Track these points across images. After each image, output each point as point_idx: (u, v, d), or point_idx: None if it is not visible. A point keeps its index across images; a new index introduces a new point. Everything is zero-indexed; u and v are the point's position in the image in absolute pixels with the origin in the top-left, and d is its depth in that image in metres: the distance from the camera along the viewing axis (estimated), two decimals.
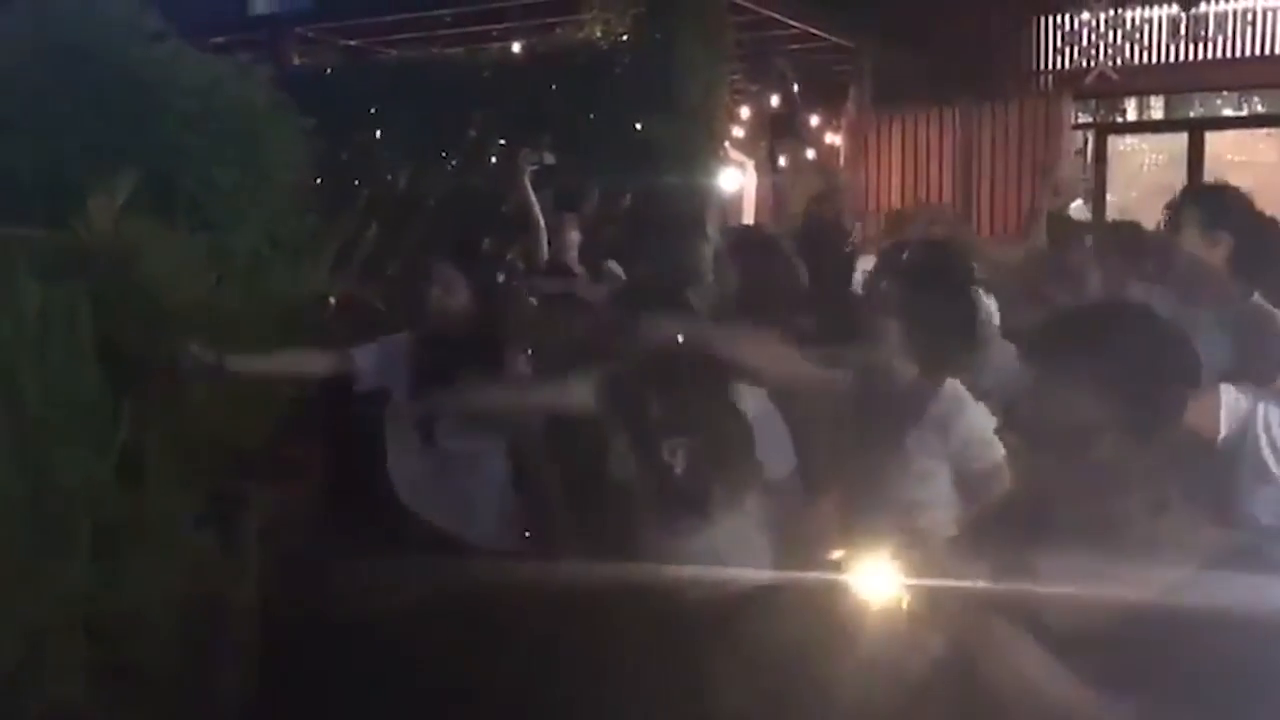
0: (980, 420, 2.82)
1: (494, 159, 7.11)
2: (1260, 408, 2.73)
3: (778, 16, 7.42)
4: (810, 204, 5.97)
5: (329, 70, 7.78)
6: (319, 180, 6.16)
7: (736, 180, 6.61)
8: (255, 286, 4.87)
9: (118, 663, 2.10)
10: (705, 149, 6.35)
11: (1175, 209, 3.24)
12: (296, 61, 8.09)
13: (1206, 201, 3.28)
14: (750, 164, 7.11)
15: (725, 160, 6.54)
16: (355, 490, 3.49)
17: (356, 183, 7.19)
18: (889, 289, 3.04)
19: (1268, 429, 2.71)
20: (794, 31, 8.00)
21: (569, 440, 3.33)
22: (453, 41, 8.27)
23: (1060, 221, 6.17)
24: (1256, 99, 11.75)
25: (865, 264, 6.46)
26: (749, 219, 7.01)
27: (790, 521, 2.91)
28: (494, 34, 8.01)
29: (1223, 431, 2.70)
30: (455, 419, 3.55)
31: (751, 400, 2.97)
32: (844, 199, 5.72)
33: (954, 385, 2.89)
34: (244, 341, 4.47)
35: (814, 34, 8.19)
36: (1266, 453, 2.71)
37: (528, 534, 3.51)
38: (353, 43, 9.13)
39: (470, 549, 3.47)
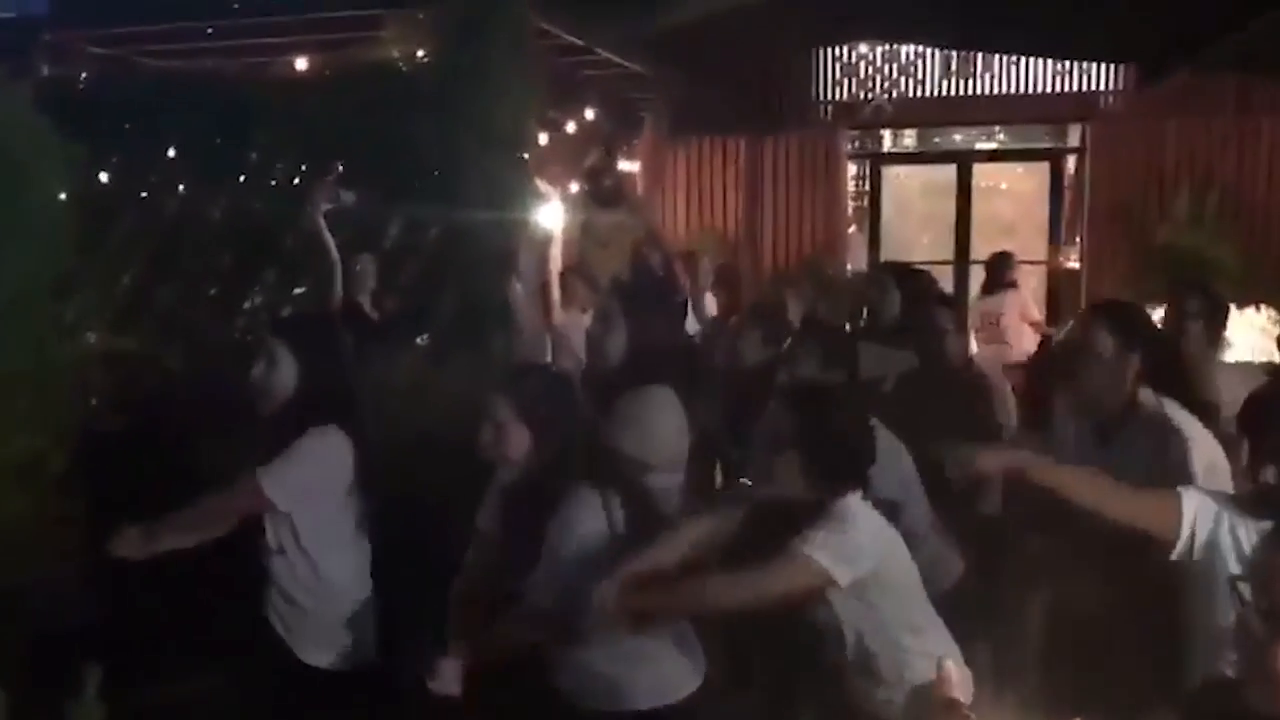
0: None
1: (275, 184, 6.53)
2: None
3: (581, 43, 7.18)
4: (637, 250, 5.71)
5: (83, 83, 6.95)
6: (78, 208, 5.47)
7: (554, 216, 6.28)
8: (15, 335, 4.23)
9: None
10: (515, 180, 6.01)
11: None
12: (45, 72, 7.22)
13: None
14: (557, 196, 6.82)
15: (537, 193, 6.22)
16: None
17: (119, 210, 6.48)
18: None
19: None
20: (594, 58, 7.78)
21: None
22: (225, 54, 7.61)
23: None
24: (1003, 132, 12.43)
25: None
26: (558, 256, 6.70)
27: None
28: (273, 48, 7.40)
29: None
30: None
31: None
32: (666, 242, 5.50)
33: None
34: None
35: (614, 62, 7.99)
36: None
37: None
38: (105, 51, 8.28)
39: None
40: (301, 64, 6.87)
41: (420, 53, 6.21)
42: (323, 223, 5.47)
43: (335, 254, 5.56)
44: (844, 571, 2.55)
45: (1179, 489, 2.61)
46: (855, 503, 2.66)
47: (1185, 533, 2.52)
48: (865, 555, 2.58)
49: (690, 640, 2.81)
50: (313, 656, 3.12)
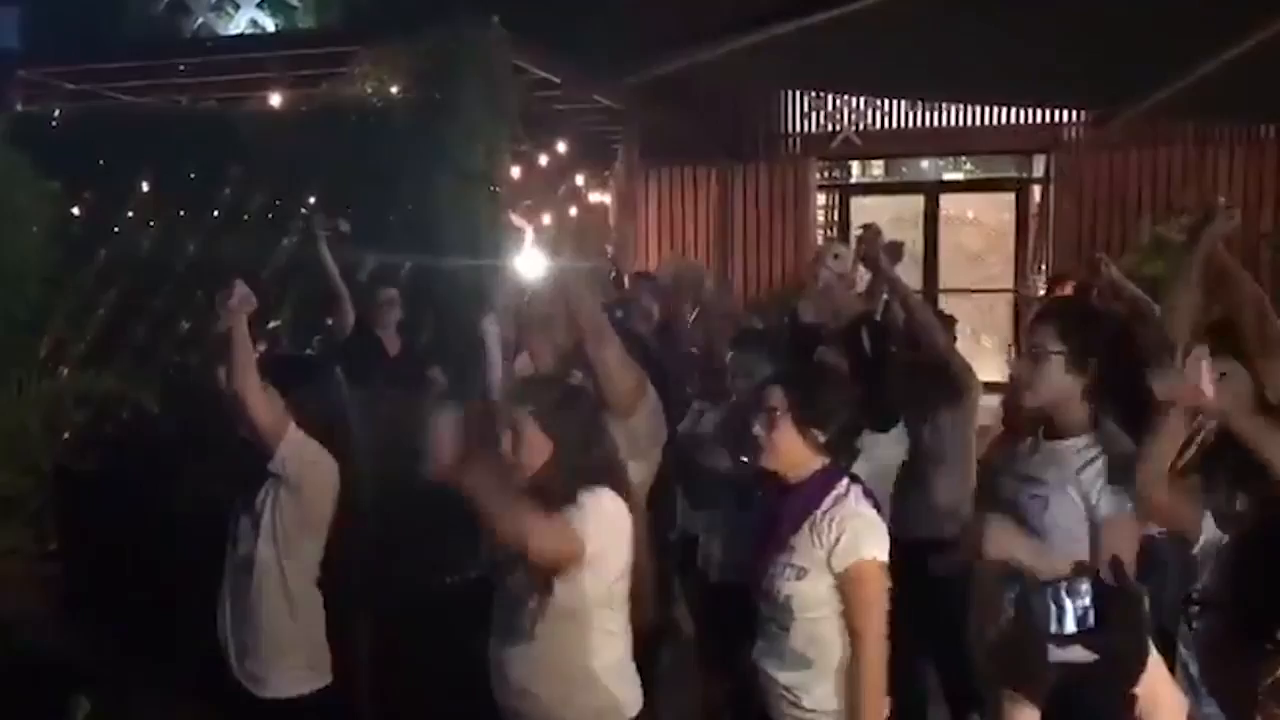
0: None
1: (248, 219, 6.54)
2: None
3: (553, 78, 7.27)
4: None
5: (56, 119, 6.95)
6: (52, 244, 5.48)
7: (527, 250, 6.32)
8: None
9: None
10: (488, 215, 6.07)
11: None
12: (19, 108, 7.23)
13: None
14: (530, 230, 6.84)
15: (510, 227, 6.26)
16: None
17: (93, 245, 6.48)
18: None
19: None
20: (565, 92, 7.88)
21: None
22: (198, 90, 7.65)
23: None
24: (969, 163, 12.61)
25: None
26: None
27: None
28: (248, 84, 7.44)
29: None
30: None
31: None
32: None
33: None
34: None
35: (586, 95, 8.10)
36: None
37: None
38: (79, 87, 8.31)
39: None
40: (276, 99, 6.90)
41: (395, 89, 6.26)
42: (326, 251, 5.47)
43: (341, 284, 5.55)
44: None
45: None
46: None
47: None
48: None
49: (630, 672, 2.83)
50: (266, 675, 3.17)
